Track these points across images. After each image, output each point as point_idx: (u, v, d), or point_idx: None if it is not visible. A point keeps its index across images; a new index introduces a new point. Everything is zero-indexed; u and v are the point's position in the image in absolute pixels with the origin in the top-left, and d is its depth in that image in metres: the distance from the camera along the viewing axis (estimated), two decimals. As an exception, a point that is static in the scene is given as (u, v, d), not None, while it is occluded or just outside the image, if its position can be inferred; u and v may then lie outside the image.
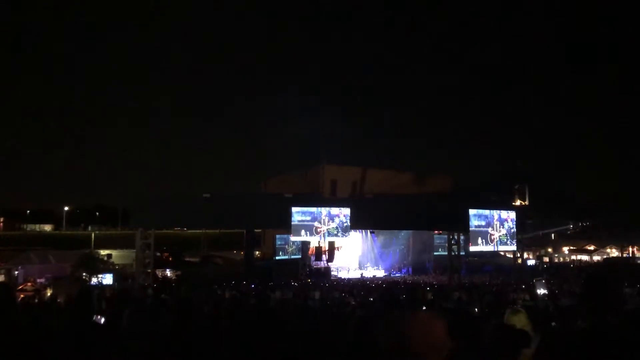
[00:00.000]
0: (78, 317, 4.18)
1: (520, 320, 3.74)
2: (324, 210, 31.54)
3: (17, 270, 32.20)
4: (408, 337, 2.13)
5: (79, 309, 4.25)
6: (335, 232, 31.80)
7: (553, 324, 6.05)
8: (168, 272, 37.45)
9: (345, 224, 31.62)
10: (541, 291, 13.18)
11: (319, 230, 31.61)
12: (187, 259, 45.81)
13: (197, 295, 15.82)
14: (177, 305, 4.83)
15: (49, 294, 22.42)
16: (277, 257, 38.14)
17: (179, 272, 36.91)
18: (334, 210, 31.80)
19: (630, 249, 54.07)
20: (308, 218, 31.46)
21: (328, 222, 31.61)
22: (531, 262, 47.44)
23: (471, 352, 2.67)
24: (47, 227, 73.06)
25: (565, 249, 58.55)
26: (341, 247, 39.87)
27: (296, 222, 31.44)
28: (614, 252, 54.97)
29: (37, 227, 72.75)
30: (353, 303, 12.49)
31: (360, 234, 41.36)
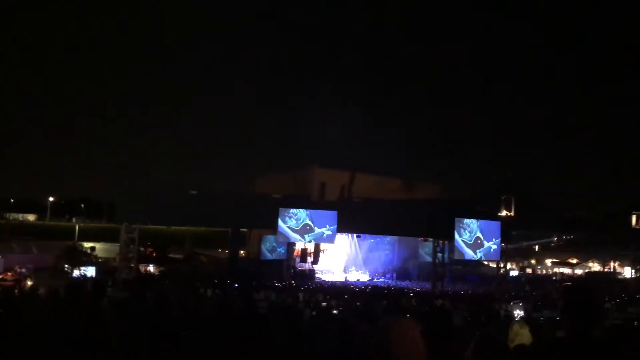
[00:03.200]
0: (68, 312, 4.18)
1: (526, 334, 3.79)
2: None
3: (-3, 259, 31.80)
4: (389, 344, 2.17)
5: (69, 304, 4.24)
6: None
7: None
8: (151, 268, 37.18)
9: (332, 227, 31.67)
10: (518, 312, 13.33)
11: (305, 232, 31.63)
12: (171, 256, 45.49)
13: (179, 293, 15.75)
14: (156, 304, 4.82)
15: (29, 285, 22.15)
16: (262, 258, 38.03)
17: (162, 269, 36.67)
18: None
19: (612, 263, 54.64)
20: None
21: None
22: (514, 273, 47.78)
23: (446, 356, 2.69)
24: (31, 217, 72.16)
25: (549, 261, 59.05)
26: (326, 249, 39.87)
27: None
28: (595, 266, 55.55)
29: (21, 216, 71.79)
30: (338, 308, 12.52)
31: (347, 237, 41.38)
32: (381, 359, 2.22)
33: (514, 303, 15.57)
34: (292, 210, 31.42)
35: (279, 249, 37.74)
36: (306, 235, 31.40)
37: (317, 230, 31.29)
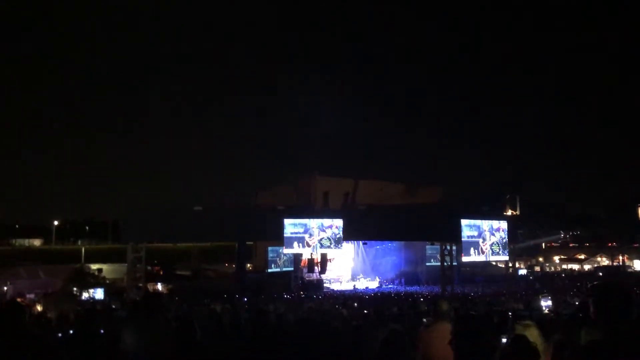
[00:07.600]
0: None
1: (532, 335, 3.63)
2: (313, 222, 31.62)
3: (6, 286, 31.74)
4: (430, 345, 2.19)
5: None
6: (328, 244, 31.82)
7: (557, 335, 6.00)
8: (159, 286, 37.11)
9: (337, 236, 31.64)
10: (546, 302, 13.04)
11: (309, 243, 31.66)
12: (179, 272, 45.44)
13: (188, 309, 15.71)
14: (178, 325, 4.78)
15: (39, 310, 22.07)
16: (269, 270, 37.96)
17: (170, 286, 36.60)
18: (327, 222, 31.82)
19: (620, 257, 54.37)
20: (301, 230, 31.47)
21: (319, 233, 31.63)
22: (522, 272, 47.54)
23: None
24: (37, 242, 72.19)
25: (556, 258, 58.83)
26: (334, 258, 39.75)
27: (288, 234, 31.42)
28: (604, 261, 55.27)
29: (26, 241, 71.87)
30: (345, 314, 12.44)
31: (353, 245, 41.30)
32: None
33: (542, 296, 15.30)
34: (298, 221, 31.54)
35: (285, 260, 37.71)
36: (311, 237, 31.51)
37: (323, 234, 31.42)
